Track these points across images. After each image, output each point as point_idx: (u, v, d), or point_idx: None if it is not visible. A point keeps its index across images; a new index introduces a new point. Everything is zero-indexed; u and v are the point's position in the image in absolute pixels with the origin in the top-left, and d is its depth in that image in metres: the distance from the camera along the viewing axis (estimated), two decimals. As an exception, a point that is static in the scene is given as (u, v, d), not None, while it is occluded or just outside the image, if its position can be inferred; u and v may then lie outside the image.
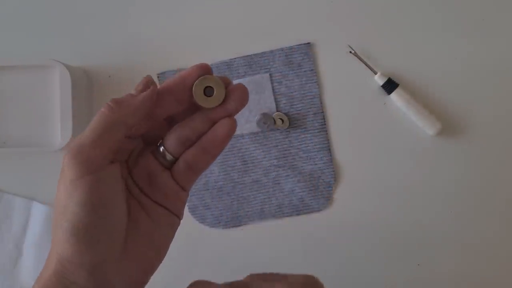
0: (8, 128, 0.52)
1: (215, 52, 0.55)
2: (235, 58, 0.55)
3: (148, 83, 0.29)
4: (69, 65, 0.51)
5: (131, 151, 0.30)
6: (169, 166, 0.30)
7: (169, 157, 0.30)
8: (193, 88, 0.29)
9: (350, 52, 0.54)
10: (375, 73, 0.54)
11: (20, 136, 0.52)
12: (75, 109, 0.50)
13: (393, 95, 0.54)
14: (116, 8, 0.56)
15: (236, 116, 0.57)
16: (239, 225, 0.55)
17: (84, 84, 0.54)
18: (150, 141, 0.31)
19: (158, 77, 0.55)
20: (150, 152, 0.30)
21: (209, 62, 0.55)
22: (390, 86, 0.54)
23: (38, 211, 0.54)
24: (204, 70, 0.29)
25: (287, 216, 0.55)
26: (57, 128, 0.51)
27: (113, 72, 0.55)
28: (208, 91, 0.29)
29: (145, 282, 0.29)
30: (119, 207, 0.28)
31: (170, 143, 0.30)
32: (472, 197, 0.55)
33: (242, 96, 0.29)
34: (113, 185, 0.27)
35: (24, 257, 0.54)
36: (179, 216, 0.31)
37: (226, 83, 0.30)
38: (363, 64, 0.54)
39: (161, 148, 0.30)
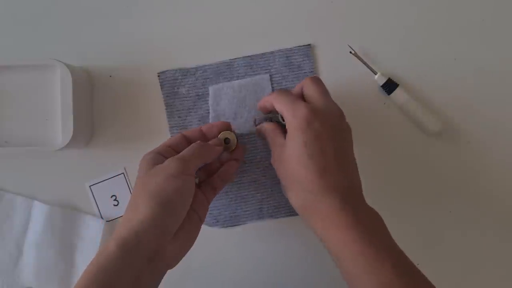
0: (10, 127, 0.52)
1: (215, 52, 0.55)
2: (235, 59, 0.55)
3: (221, 141, 0.48)
4: (70, 65, 0.51)
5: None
6: (198, 186, 0.47)
7: (196, 180, 0.47)
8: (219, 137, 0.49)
9: (350, 52, 0.54)
10: (375, 73, 0.54)
11: (22, 136, 0.52)
12: (76, 108, 0.50)
13: (393, 95, 0.54)
14: (117, 8, 0.56)
15: (236, 117, 0.58)
16: (237, 225, 0.55)
17: (85, 84, 0.54)
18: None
19: (158, 76, 0.55)
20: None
21: (209, 62, 0.55)
22: (390, 86, 0.54)
23: (39, 211, 0.54)
24: (226, 126, 0.50)
25: (285, 216, 0.55)
26: (58, 127, 0.51)
27: (114, 72, 0.56)
28: (227, 140, 0.49)
29: (180, 258, 0.43)
30: (188, 202, 0.42)
31: (199, 173, 0.50)
32: (472, 197, 0.55)
33: (241, 154, 0.51)
34: (192, 187, 0.43)
35: (24, 256, 0.54)
36: (202, 219, 0.45)
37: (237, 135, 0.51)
38: (363, 65, 0.54)
39: (197, 179, 0.48)
